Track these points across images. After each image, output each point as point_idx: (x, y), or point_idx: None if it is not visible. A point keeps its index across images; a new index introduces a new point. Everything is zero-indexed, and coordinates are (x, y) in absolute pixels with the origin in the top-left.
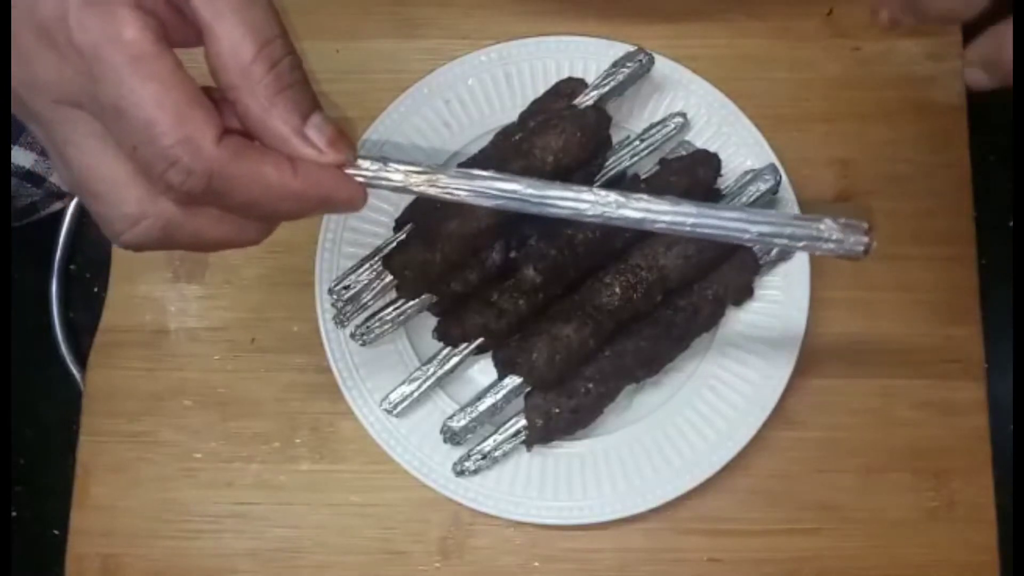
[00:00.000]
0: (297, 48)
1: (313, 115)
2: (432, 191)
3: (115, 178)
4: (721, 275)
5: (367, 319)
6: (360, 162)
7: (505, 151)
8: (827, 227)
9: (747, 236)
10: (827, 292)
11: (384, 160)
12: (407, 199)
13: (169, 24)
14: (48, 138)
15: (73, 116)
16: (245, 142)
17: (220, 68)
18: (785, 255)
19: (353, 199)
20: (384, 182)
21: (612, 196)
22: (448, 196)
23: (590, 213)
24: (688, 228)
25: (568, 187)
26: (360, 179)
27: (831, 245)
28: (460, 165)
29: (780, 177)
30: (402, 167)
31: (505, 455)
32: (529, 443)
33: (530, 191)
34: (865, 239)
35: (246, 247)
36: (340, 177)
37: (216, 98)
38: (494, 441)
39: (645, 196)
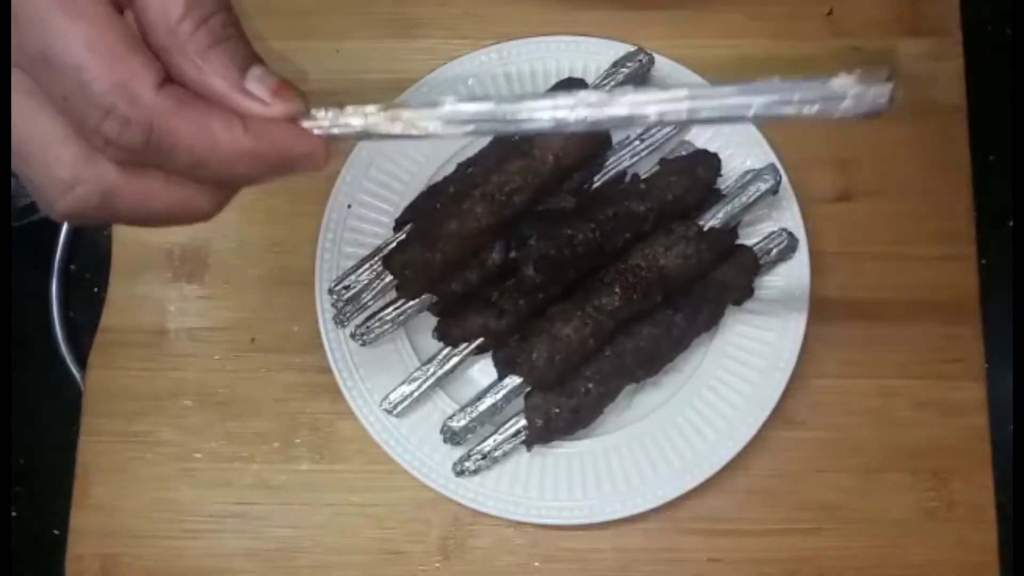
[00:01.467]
0: (293, 46)
1: (253, 67)
2: (397, 128)
3: (46, 137)
4: (721, 275)
5: (367, 319)
6: (314, 112)
7: (505, 151)
8: (842, 83)
9: (752, 111)
10: (827, 292)
11: (340, 105)
12: (407, 199)
13: None
14: None
15: None
16: (189, 93)
17: (149, 30)
18: (785, 255)
19: (313, 153)
20: (344, 129)
21: (594, 96)
22: (415, 132)
23: (573, 119)
24: (684, 115)
25: (543, 96)
26: (317, 131)
27: (849, 103)
28: (460, 164)
29: (780, 177)
30: (360, 108)
31: (505, 455)
32: (529, 443)
33: (504, 107)
34: (888, 87)
35: (199, 221)
36: (295, 130)
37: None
38: (494, 441)
39: (631, 88)
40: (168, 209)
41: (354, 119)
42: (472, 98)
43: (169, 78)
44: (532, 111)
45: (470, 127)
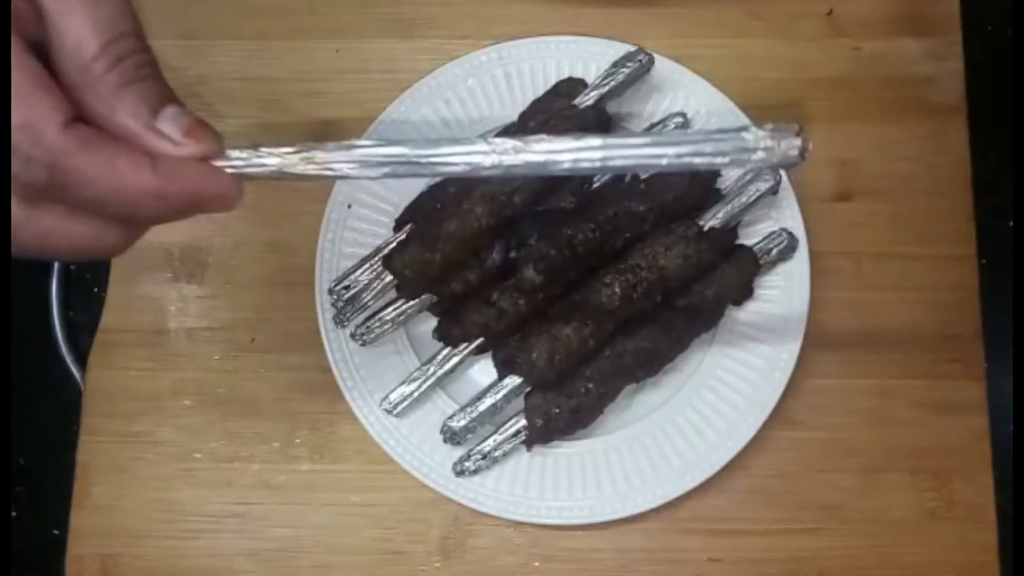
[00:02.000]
0: (292, 46)
1: (167, 107)
2: (311, 169)
3: None
4: (721, 275)
5: (367, 319)
6: (229, 152)
7: None
8: (753, 136)
9: (664, 161)
10: (827, 292)
11: (255, 147)
12: (407, 199)
13: (18, 12)
14: None
15: None
16: (97, 132)
17: (62, 66)
18: (785, 255)
19: (224, 194)
20: (258, 169)
21: (509, 143)
22: (329, 172)
23: (487, 164)
24: (598, 163)
25: (459, 141)
26: (231, 171)
27: (761, 155)
28: None
29: (780, 177)
30: (275, 150)
31: (505, 455)
32: (529, 443)
33: (417, 152)
34: (798, 142)
35: (108, 256)
36: (206, 170)
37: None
38: (494, 441)
39: (545, 136)
40: (72, 244)
41: (269, 159)
42: (388, 142)
43: (79, 117)
44: (447, 156)
45: (385, 170)
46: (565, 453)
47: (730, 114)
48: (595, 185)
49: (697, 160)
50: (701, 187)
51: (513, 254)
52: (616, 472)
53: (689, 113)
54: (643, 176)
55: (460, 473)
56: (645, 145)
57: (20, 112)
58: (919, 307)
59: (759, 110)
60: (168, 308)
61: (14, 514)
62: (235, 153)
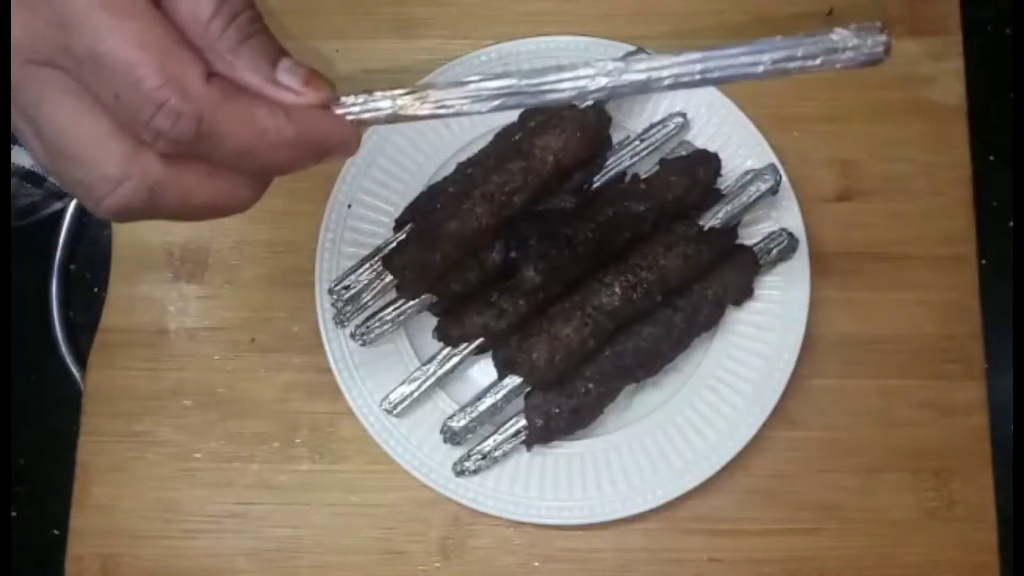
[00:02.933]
0: (292, 46)
1: (282, 60)
2: (426, 108)
3: (94, 136)
4: (721, 275)
5: (367, 319)
6: (343, 99)
7: (505, 151)
8: (840, 36)
9: (760, 69)
10: (827, 292)
11: (368, 91)
12: (407, 199)
13: None
14: (18, 104)
15: (45, 74)
16: (234, 84)
17: (181, 29)
18: (785, 255)
19: (347, 139)
20: (374, 114)
21: (611, 65)
22: (443, 111)
23: (593, 88)
24: (697, 76)
25: (563, 68)
26: (348, 117)
27: (850, 54)
28: (460, 164)
29: (780, 177)
30: (388, 92)
31: (505, 455)
32: (529, 443)
33: (526, 81)
34: (883, 38)
35: (236, 213)
36: (331, 116)
37: None
38: (494, 441)
39: (646, 55)
40: (210, 200)
41: (383, 103)
42: (496, 75)
43: (213, 71)
44: (554, 83)
45: (495, 102)
46: (565, 453)
47: (730, 114)
48: (595, 185)
49: (791, 65)
50: (701, 187)
51: (513, 254)
52: (616, 472)
53: (689, 113)
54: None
55: (460, 473)
56: (741, 55)
57: (166, 68)
58: (919, 307)
59: (759, 110)
60: (168, 308)
61: (14, 514)
62: (350, 99)
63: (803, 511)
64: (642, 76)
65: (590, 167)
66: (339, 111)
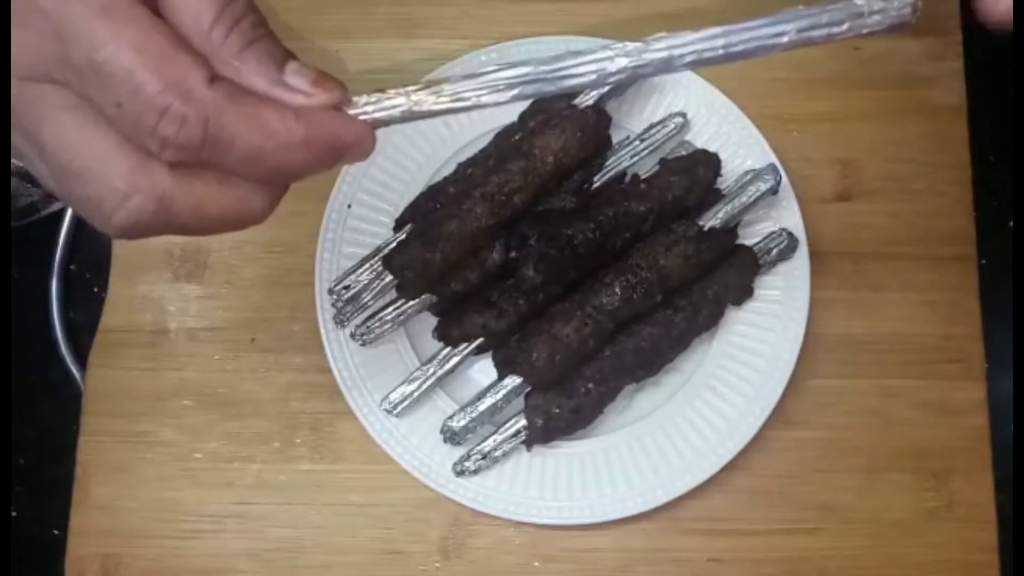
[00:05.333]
0: (298, 46)
1: (289, 63)
2: (442, 103)
3: (98, 151)
4: (721, 275)
5: (367, 319)
6: (355, 99)
7: (505, 151)
8: (865, 1)
9: (785, 39)
10: (827, 292)
11: (381, 90)
12: (407, 199)
13: None
14: (19, 125)
15: (43, 91)
16: (239, 86)
17: (183, 37)
18: (785, 255)
19: (362, 140)
20: (388, 112)
21: (630, 45)
22: (460, 104)
23: (614, 69)
24: (720, 52)
25: (581, 52)
26: (362, 117)
27: (877, 17)
28: (460, 164)
29: (780, 177)
30: (402, 90)
31: (505, 455)
32: (529, 443)
33: (543, 68)
34: None
35: (250, 225)
36: (343, 117)
37: None
38: (494, 441)
39: (665, 34)
40: (223, 212)
41: (397, 100)
42: (511, 64)
43: (216, 74)
44: (572, 68)
45: (514, 92)
46: (565, 453)
47: (730, 114)
48: (595, 185)
49: (816, 33)
50: (701, 187)
51: (513, 254)
52: (616, 472)
53: (689, 113)
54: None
55: (460, 473)
56: (764, 26)
57: (167, 72)
58: (919, 307)
59: (759, 110)
60: (168, 308)
61: (14, 514)
62: (362, 99)
63: (803, 511)
64: (663, 54)
65: (590, 167)
66: (352, 112)
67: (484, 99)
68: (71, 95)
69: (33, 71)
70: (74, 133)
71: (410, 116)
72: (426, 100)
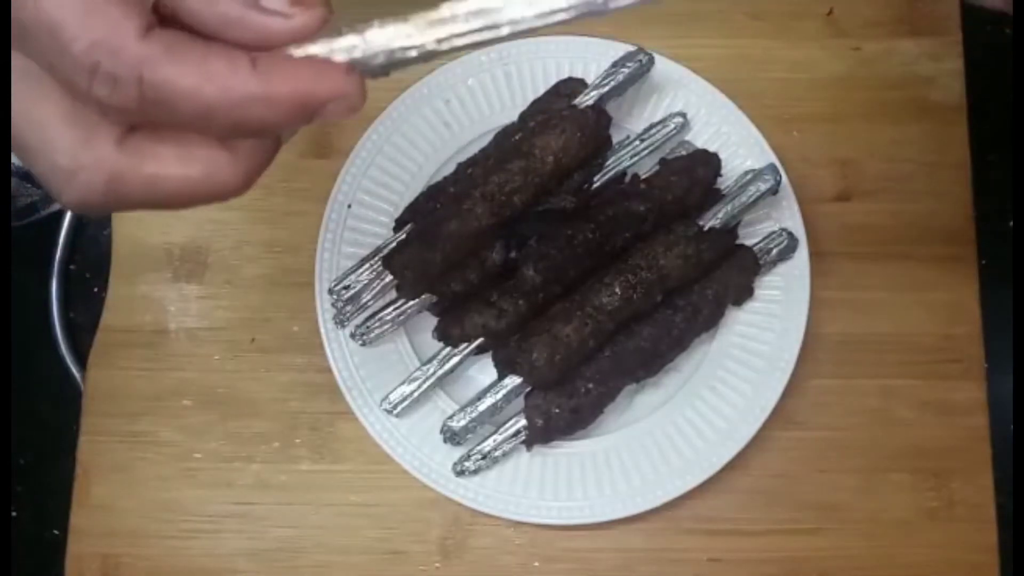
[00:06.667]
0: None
1: None
2: (464, 36)
3: (42, 123)
4: (721, 275)
5: (367, 319)
6: (339, 40)
7: (505, 151)
8: None
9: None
10: (827, 292)
11: (365, 23)
12: (407, 199)
13: None
14: None
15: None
16: (182, 35)
17: None
18: (785, 255)
19: (341, 88)
20: (368, 50)
21: None
22: (490, 33)
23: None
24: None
25: None
26: (342, 56)
27: None
28: (460, 164)
29: (780, 177)
30: (385, 22)
31: (505, 455)
32: (529, 443)
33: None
34: None
35: (227, 197)
36: (315, 64)
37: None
38: (494, 441)
39: None
40: (185, 186)
41: (381, 36)
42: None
43: (159, 22)
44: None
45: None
46: (565, 453)
47: (730, 114)
48: (595, 185)
49: None
50: (701, 187)
51: (513, 254)
52: (616, 472)
53: (689, 113)
54: (643, 176)
55: (460, 473)
56: None
57: (91, 29)
58: (919, 307)
59: (759, 110)
60: (168, 308)
61: (14, 514)
62: (346, 40)
63: (803, 511)
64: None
65: (590, 167)
66: (338, 58)
67: (527, 17)
68: (22, 60)
69: None
70: (23, 103)
71: (427, 55)
72: (438, 28)
